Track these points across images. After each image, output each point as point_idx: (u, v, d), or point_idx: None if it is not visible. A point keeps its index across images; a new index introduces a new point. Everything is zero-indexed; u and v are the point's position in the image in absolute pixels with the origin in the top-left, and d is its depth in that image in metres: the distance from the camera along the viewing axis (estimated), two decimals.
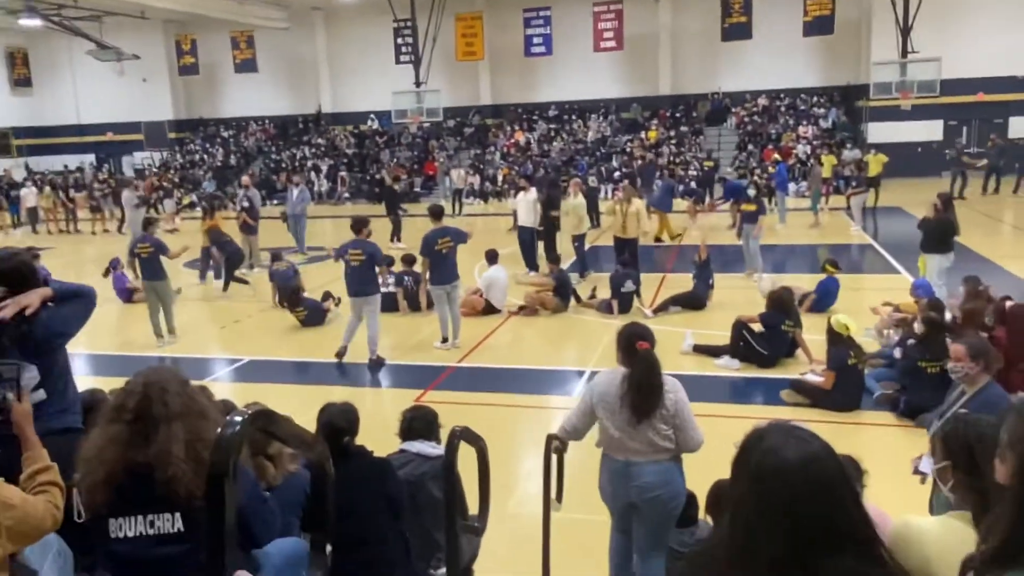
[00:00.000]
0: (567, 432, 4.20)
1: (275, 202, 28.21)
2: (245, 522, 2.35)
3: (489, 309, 11.29)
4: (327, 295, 11.62)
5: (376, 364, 9.17)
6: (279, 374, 9.15)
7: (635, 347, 3.92)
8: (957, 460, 2.10)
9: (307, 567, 1.67)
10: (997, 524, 1.46)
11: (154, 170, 31.78)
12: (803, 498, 1.41)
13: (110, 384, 3.58)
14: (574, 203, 13.23)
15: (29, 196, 24.20)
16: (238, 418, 1.23)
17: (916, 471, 2.17)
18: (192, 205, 26.02)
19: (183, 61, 33.00)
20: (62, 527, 2.48)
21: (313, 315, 11.14)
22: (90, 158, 34.58)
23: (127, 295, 12.99)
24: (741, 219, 13.40)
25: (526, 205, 13.73)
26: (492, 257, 11.69)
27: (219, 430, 1.22)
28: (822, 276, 10.89)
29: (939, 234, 9.87)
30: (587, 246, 13.89)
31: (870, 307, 9.68)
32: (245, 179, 17.41)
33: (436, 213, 10.01)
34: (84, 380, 7.53)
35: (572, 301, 11.39)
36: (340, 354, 9.28)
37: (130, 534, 2.24)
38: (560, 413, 7.66)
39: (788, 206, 18.76)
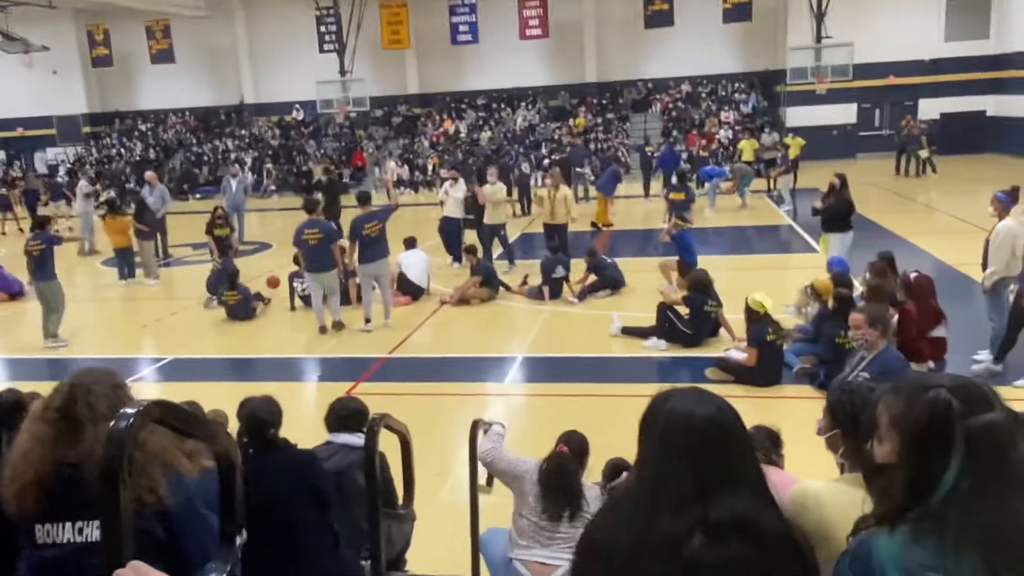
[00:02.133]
0: (490, 454, 4.08)
1: (198, 196, 27.48)
2: (176, 526, 2.27)
3: (409, 289, 11.29)
4: (258, 295, 11.37)
5: (338, 326, 9.96)
6: (205, 372, 8.97)
7: (556, 450, 3.87)
8: (845, 428, 2.21)
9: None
10: (887, 492, 1.57)
11: (68, 166, 30.53)
12: (705, 443, 1.54)
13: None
14: (492, 190, 13.18)
15: None
16: (131, 410, 1.22)
17: (819, 433, 2.29)
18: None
19: (96, 52, 31.67)
20: None
21: (242, 306, 10.90)
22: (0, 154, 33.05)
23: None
24: (671, 208, 13.36)
25: (453, 196, 13.47)
26: (410, 243, 11.89)
27: (111, 424, 1.20)
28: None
29: (839, 213, 10.21)
30: (516, 234, 13.98)
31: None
32: (149, 175, 16.79)
33: (363, 199, 10.41)
34: None
35: (502, 289, 11.46)
36: (323, 330, 9.90)
37: (59, 540, 2.16)
38: (493, 400, 7.75)
39: (704, 191, 19.04)
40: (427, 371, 8.71)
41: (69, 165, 30.79)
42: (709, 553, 1.46)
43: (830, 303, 7.82)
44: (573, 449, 3.85)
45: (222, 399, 7.28)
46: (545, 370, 8.48)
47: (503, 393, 7.94)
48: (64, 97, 32.28)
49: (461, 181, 13.75)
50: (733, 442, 1.57)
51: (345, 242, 10.14)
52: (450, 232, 13.53)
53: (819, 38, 23.62)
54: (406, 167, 26.91)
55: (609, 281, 11.21)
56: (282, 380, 8.41)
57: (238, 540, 1.64)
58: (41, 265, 9.98)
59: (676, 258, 11.02)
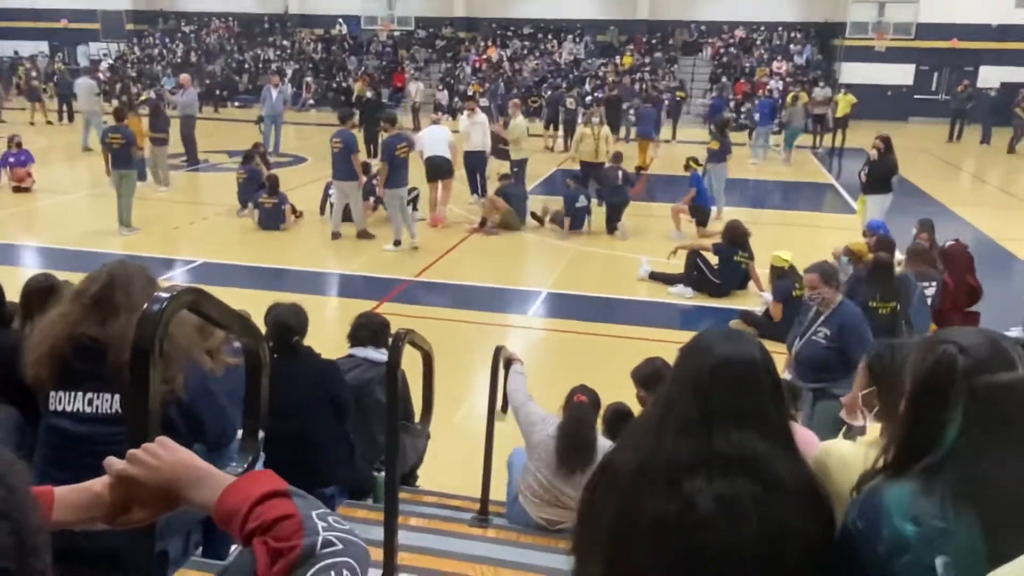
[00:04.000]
0: (517, 398, 4.02)
1: (236, 104, 27.40)
2: (196, 413, 2.39)
3: (437, 170, 11.16)
4: (291, 207, 11.36)
5: (364, 235, 10.45)
6: (233, 278, 9.06)
7: (572, 398, 3.80)
8: (880, 385, 2.17)
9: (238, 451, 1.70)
10: (891, 444, 1.54)
11: (110, 62, 30.49)
12: (718, 374, 1.49)
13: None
14: (515, 123, 12.90)
15: None
16: (165, 294, 1.22)
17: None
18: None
19: None
20: (12, 397, 2.52)
21: (275, 213, 10.94)
22: (43, 46, 32.98)
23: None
24: (708, 156, 13.03)
25: (478, 128, 12.37)
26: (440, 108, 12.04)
27: (144, 305, 1.20)
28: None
29: (881, 175, 9.96)
30: (553, 168, 13.76)
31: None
32: (184, 77, 16.65)
33: (391, 119, 10.66)
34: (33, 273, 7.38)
35: (528, 218, 11.44)
36: (336, 236, 10.40)
37: (68, 408, 2.27)
38: (515, 331, 7.79)
39: (753, 141, 18.68)
40: (451, 297, 8.75)
41: (111, 61, 30.73)
42: (712, 486, 1.41)
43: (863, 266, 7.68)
44: (590, 400, 3.81)
45: (249, 306, 7.38)
46: (568, 307, 8.48)
47: (525, 326, 7.96)
48: None
49: (479, 112, 12.82)
50: (752, 382, 1.51)
51: (376, 162, 10.16)
52: (472, 166, 12.63)
53: None
54: (446, 92, 26.55)
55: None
56: (308, 292, 8.47)
57: (260, 434, 1.67)
58: (122, 156, 10.53)
59: (686, 204, 11.01)
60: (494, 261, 10.18)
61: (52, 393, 2.30)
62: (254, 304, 3.15)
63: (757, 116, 18.99)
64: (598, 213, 11.43)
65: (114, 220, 10.67)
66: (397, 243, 10.09)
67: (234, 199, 11.96)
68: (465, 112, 12.76)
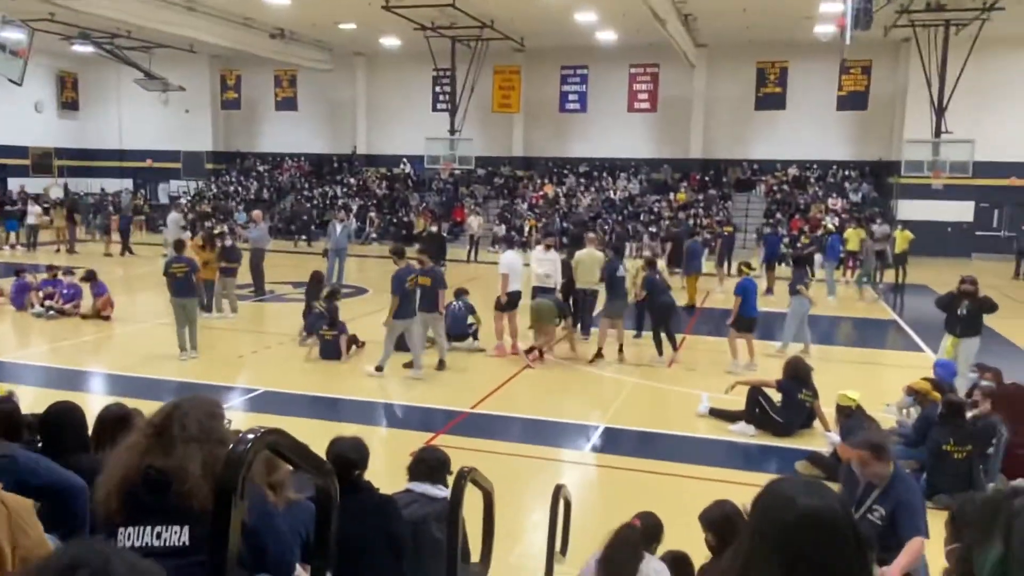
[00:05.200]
0: None
1: (303, 238, 28.62)
2: (259, 542, 2.37)
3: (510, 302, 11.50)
4: (354, 338, 11.59)
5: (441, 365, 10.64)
6: (292, 407, 9.16)
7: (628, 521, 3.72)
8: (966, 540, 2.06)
9: None
10: None
11: (188, 198, 32.39)
12: (802, 530, 1.41)
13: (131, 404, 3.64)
14: (588, 253, 12.46)
15: (31, 214, 24.92)
16: (250, 435, 1.25)
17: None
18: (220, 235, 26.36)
19: (226, 95, 33.99)
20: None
21: (334, 345, 11.16)
22: (128, 183, 35.35)
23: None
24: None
25: (548, 263, 12.32)
26: (508, 242, 12.20)
27: (231, 446, 1.23)
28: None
29: (979, 315, 9.59)
30: None
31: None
32: (255, 213, 17.61)
33: (398, 252, 10.83)
34: (104, 399, 7.58)
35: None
36: (380, 369, 10.31)
37: (137, 544, 2.26)
38: (571, 467, 7.63)
39: (820, 277, 18.57)
40: (507, 430, 8.65)
41: (189, 197, 32.66)
42: None
43: (932, 405, 7.41)
44: (645, 528, 3.66)
45: (307, 436, 7.43)
46: (627, 443, 8.30)
47: (582, 462, 7.80)
48: (192, 134, 34.47)
49: (553, 251, 12.87)
50: (838, 542, 1.43)
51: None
52: (577, 300, 12.46)
53: (938, 132, 22.95)
54: (503, 226, 27.35)
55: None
56: (364, 423, 8.52)
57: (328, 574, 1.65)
58: (184, 285, 11.00)
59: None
60: (552, 393, 10.11)
61: (120, 530, 2.30)
62: (311, 434, 3.17)
63: (821, 254, 18.93)
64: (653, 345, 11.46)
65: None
66: (380, 368, 10.28)
67: (296, 328, 12.29)
68: (541, 246, 13.03)
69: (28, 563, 2.12)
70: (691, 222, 25.84)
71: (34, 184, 31.88)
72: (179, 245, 12.02)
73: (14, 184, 31.39)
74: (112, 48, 27.55)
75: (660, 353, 11.38)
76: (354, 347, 11.49)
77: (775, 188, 28.24)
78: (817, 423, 8.37)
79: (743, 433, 8.41)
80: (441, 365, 10.65)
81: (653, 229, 26.24)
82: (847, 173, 28.35)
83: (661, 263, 12.98)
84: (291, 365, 11.08)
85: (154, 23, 22.57)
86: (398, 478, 4.31)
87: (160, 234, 24.58)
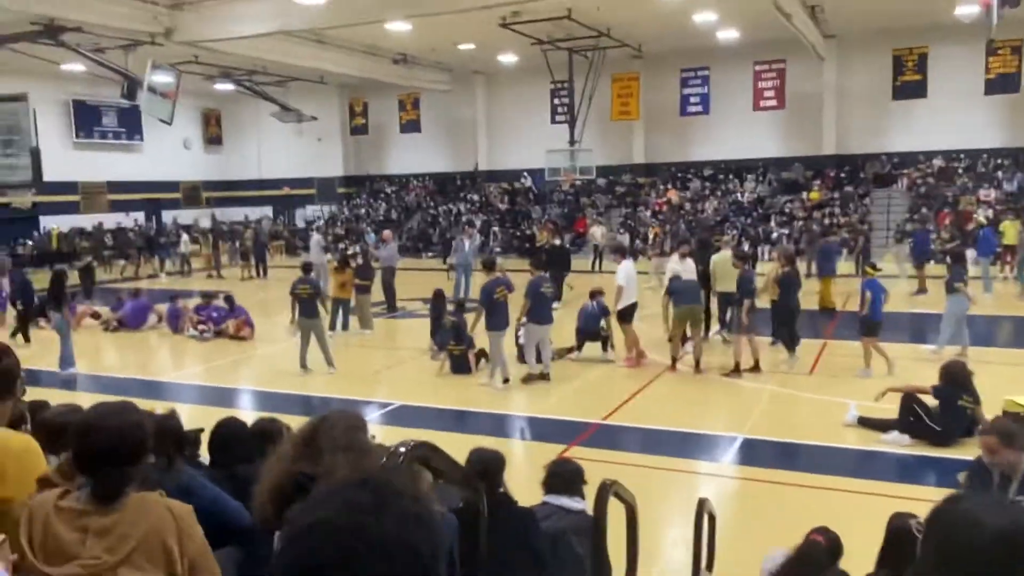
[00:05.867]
0: None
1: (430, 255, 29.33)
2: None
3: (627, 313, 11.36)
4: (482, 352, 11.69)
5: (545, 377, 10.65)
6: (426, 420, 9.34)
7: (809, 537, 3.54)
8: None
9: None
10: None
11: (321, 222, 33.95)
12: (995, 561, 1.25)
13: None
14: (723, 257, 12.16)
15: (185, 242, 27.03)
16: (403, 448, 1.23)
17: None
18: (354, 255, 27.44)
19: (355, 122, 35.42)
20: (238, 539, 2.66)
21: (463, 359, 11.31)
22: (268, 210, 37.45)
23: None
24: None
25: (688, 272, 11.93)
26: (622, 251, 12.82)
27: (386, 458, 1.21)
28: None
29: None
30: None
31: None
32: (386, 233, 18.16)
33: (489, 264, 11.15)
34: (252, 415, 7.96)
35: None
36: (506, 380, 10.48)
37: None
38: (711, 480, 7.36)
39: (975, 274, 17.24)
40: (641, 441, 8.48)
41: (322, 221, 34.23)
42: None
43: None
44: (829, 544, 3.45)
45: (443, 448, 7.53)
46: (768, 454, 7.94)
47: (721, 474, 7.51)
48: (324, 161, 36.13)
49: (689, 261, 12.37)
50: None
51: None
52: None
53: None
54: (627, 235, 27.03)
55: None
56: (496, 435, 8.54)
57: None
58: (309, 306, 11.40)
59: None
60: (687, 402, 9.84)
61: (276, 535, 2.39)
62: (445, 445, 3.17)
63: (974, 250, 17.59)
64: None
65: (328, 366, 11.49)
66: (506, 380, 10.40)
67: (427, 343, 12.56)
68: (676, 254, 12.69)
69: (195, 568, 2.22)
70: (826, 221, 24.66)
71: (185, 216, 34.41)
72: (306, 267, 12.47)
73: (168, 216, 33.97)
74: (250, 84, 29.35)
75: (791, 350, 11.01)
76: (482, 360, 11.58)
77: (919, 181, 26.51)
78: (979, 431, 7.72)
79: (897, 443, 7.86)
80: (546, 377, 10.66)
81: (786, 231, 25.25)
82: (999, 162, 26.25)
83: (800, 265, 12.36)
84: (424, 379, 11.31)
85: (287, 58, 23.82)
86: (532, 491, 4.27)
87: (298, 256, 25.87)
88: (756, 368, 10.69)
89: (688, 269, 11.95)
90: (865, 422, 8.29)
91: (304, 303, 11.43)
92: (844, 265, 20.17)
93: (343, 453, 2.32)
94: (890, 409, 8.11)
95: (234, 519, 2.91)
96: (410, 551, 0.98)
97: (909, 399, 7.96)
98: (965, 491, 1.29)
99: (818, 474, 7.28)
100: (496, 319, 10.35)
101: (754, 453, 7.96)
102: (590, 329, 11.99)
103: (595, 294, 12.20)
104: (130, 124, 32.21)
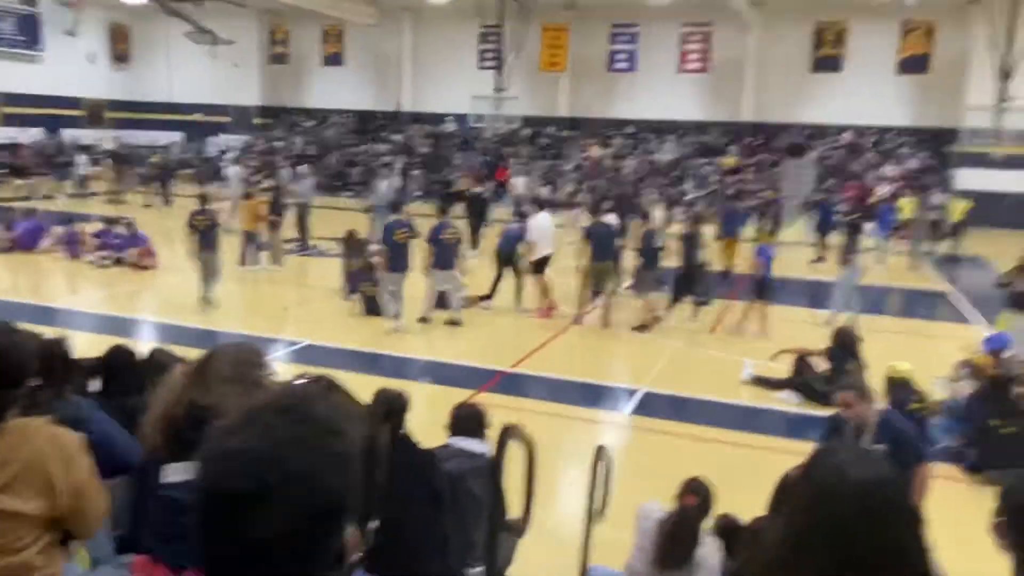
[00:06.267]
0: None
1: (348, 194, 28.72)
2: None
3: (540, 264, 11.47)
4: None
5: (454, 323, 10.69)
6: (333, 360, 9.26)
7: (683, 495, 3.79)
8: (1013, 519, 1.97)
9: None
10: None
11: (235, 153, 32.69)
12: (858, 519, 1.35)
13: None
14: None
15: (80, 165, 25.83)
16: (302, 380, 1.22)
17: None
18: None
19: (274, 50, 34.05)
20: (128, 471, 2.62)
21: (374, 301, 11.22)
22: (178, 136, 35.77)
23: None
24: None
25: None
26: (539, 203, 13.14)
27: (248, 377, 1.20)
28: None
29: None
30: None
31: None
32: (302, 168, 17.69)
33: (394, 207, 11.49)
34: (148, 347, 7.70)
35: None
36: (426, 319, 10.65)
37: (178, 480, 2.31)
38: (609, 428, 7.60)
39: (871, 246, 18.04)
40: (548, 390, 8.64)
41: (236, 152, 32.96)
42: None
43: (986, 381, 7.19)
44: (699, 500, 3.70)
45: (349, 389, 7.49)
46: (668, 407, 8.23)
47: (622, 424, 7.76)
48: (240, 89, 34.62)
49: (613, 216, 12.68)
50: (893, 519, 1.37)
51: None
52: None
53: (1002, 99, 22.04)
54: (548, 187, 27.10)
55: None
56: (405, 379, 8.54)
57: (371, 524, 1.63)
58: (208, 238, 11.02)
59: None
60: (592, 355, 10.07)
61: (163, 468, 2.35)
62: (352, 386, 3.16)
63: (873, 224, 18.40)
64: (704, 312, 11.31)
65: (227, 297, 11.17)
66: (396, 316, 10.42)
67: (338, 283, 12.37)
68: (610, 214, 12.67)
69: (80, 496, 2.16)
70: (737, 187, 25.32)
71: (88, 136, 32.47)
72: (203, 198, 11.82)
73: (68, 135, 32.01)
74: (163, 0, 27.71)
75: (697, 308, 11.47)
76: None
77: (829, 154, 27.48)
78: None
79: (788, 401, 8.28)
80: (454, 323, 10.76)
81: (701, 193, 25.74)
82: (905, 140, 27.45)
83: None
84: (335, 319, 11.18)
85: None
86: (436, 434, 4.32)
87: (201, 186, 24.77)
88: (644, 327, 10.94)
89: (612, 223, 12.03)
90: (760, 381, 8.69)
91: (203, 235, 11.07)
92: (753, 230, 20.86)
93: (231, 385, 2.30)
94: (783, 369, 8.52)
95: (124, 453, 2.84)
96: (328, 489, 1.00)
97: (800, 360, 8.37)
98: (836, 443, 1.40)
99: (715, 427, 7.63)
100: (395, 261, 10.27)
101: (655, 405, 8.25)
102: (507, 249, 11.94)
103: (522, 215, 12.41)
104: (29, 32, 29.97)
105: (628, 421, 7.83)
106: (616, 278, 11.64)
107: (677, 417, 7.90)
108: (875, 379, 7.94)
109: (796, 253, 18.48)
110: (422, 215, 12.30)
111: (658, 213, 14.01)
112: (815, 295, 13.23)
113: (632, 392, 8.51)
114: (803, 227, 20.71)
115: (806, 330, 10.74)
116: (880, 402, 4.62)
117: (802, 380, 8.34)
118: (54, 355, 3.00)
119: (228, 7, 29.21)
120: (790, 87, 28.16)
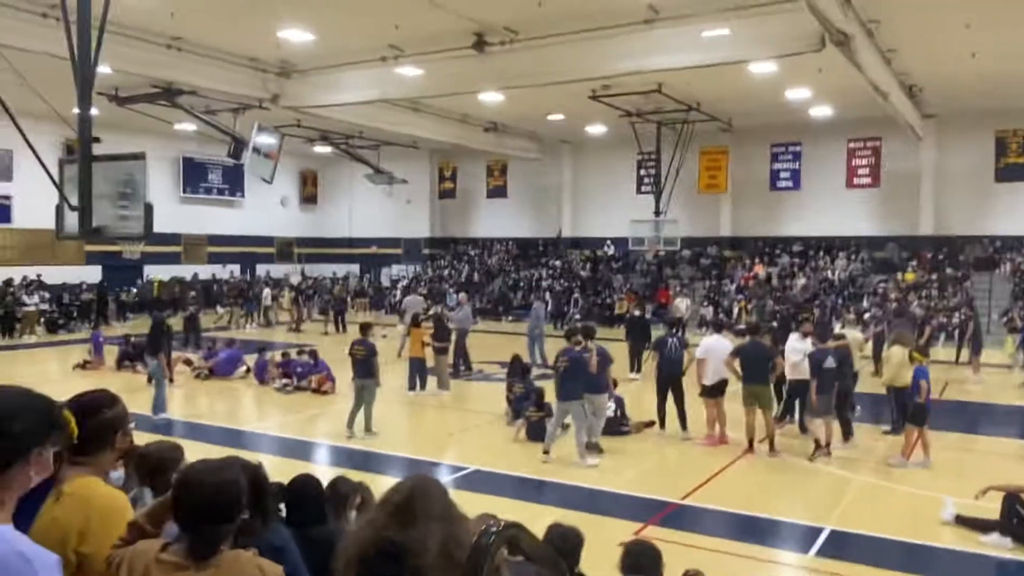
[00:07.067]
0: None
1: (510, 318, 29.49)
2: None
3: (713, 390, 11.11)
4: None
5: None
6: (500, 487, 9.25)
7: None
8: None
9: None
10: None
11: (405, 282, 34.69)
12: None
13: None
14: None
15: (266, 296, 28.23)
16: (494, 527, 1.23)
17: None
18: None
19: (443, 186, 36.51)
20: None
21: (540, 426, 11.21)
22: (355, 268, 38.58)
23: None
24: None
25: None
26: (717, 326, 12.79)
27: (476, 536, 1.22)
28: None
29: None
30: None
31: None
32: (461, 296, 18.37)
33: (587, 333, 10.95)
34: (328, 471, 8.05)
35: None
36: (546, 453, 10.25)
37: None
38: (793, 572, 7.01)
39: None
40: (721, 525, 8.15)
41: (406, 281, 34.99)
42: None
43: None
44: None
45: (514, 516, 7.41)
46: (857, 549, 7.50)
47: (806, 567, 7.14)
48: (412, 222, 37.16)
49: (810, 340, 11.27)
50: None
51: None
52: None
53: None
54: (711, 307, 26.61)
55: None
56: (571, 508, 8.37)
57: None
58: (364, 366, 11.49)
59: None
60: (770, 487, 9.46)
61: None
62: (519, 515, 3.13)
63: None
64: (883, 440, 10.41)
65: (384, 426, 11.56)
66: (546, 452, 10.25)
67: (502, 408, 12.52)
68: (798, 333, 11.55)
69: None
70: (923, 304, 23.71)
71: (277, 270, 35.82)
72: (364, 329, 12.29)
73: (261, 270, 35.40)
74: (347, 147, 30.65)
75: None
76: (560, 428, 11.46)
77: (1023, 266, 25.29)
78: None
79: (998, 546, 7.34)
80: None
81: (880, 311, 24.33)
82: None
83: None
84: (499, 445, 11.24)
85: (383, 124, 24.84)
86: (601, 569, 4.14)
87: (382, 314, 26.40)
88: (816, 454, 10.32)
89: (807, 347, 11.07)
90: (963, 521, 7.78)
91: (358, 364, 11.58)
92: (946, 351, 19.36)
93: (438, 522, 2.29)
94: (991, 508, 7.61)
95: None
96: None
97: (1012, 499, 7.46)
98: None
99: (911, 573, 6.86)
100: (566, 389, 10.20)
101: (842, 546, 7.54)
102: (674, 358, 11.62)
103: (677, 327, 12.21)
104: (233, 181, 34.07)
105: (814, 564, 7.19)
106: (769, 401, 10.95)
107: (869, 561, 7.17)
108: None
109: (1002, 377, 16.85)
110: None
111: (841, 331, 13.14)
112: (1019, 424, 11.93)
113: (817, 531, 7.85)
114: (1010, 347, 18.86)
115: (1017, 465, 9.63)
116: None
117: (1015, 522, 7.39)
118: (260, 485, 3.18)
119: (403, 149, 31.82)
120: (972, 198, 26.46)
